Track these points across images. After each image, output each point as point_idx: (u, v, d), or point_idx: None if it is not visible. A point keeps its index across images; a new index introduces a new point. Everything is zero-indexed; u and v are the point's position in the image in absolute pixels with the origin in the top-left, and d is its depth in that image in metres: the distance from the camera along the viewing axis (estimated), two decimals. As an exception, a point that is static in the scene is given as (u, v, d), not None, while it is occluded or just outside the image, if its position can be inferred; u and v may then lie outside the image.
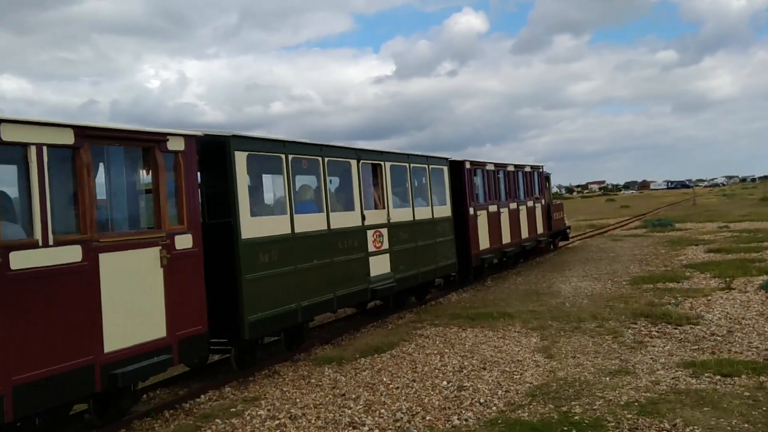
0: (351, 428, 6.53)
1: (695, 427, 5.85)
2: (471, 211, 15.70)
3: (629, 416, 6.23)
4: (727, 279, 13.67)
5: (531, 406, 6.75)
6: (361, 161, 11.36)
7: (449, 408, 6.92)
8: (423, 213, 13.46)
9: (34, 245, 5.84)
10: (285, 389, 8.02)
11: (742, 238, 23.31)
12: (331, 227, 10.26)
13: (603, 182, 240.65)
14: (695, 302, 11.75)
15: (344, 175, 11.16)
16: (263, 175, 10.18)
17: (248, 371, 8.91)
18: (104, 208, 6.97)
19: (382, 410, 6.96)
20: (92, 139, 6.53)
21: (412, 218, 12.98)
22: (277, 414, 7.05)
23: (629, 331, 9.85)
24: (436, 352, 9.33)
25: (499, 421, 6.38)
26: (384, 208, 11.97)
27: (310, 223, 9.77)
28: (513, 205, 18.78)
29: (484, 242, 16.30)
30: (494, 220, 17.11)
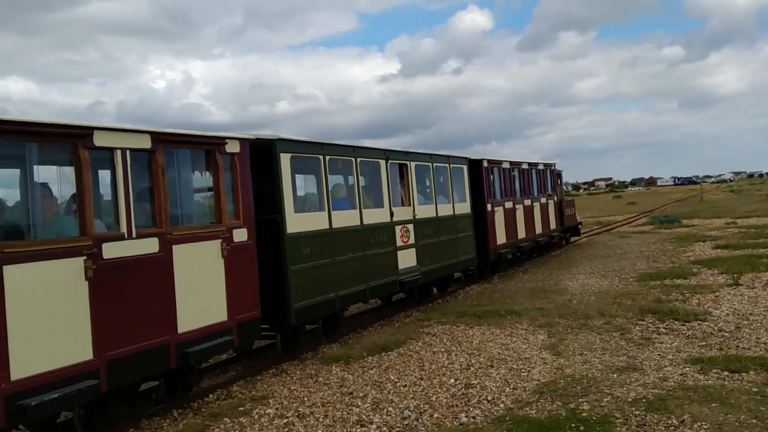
0: (359, 426, 6.55)
1: (703, 423, 5.84)
2: (489, 207, 16.40)
3: (637, 413, 6.22)
4: (735, 275, 13.62)
5: (539, 404, 6.75)
6: (389, 161, 12.11)
7: (457, 406, 6.93)
8: (445, 210, 14.16)
9: (121, 237, 6.64)
10: (293, 388, 8.05)
11: (749, 234, 23.23)
12: (364, 223, 11.04)
13: (610, 179, 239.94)
14: (703, 298, 11.71)
15: (374, 175, 11.82)
16: (304, 175, 10.78)
17: (292, 354, 9.69)
18: (175, 205, 7.66)
19: (390, 408, 6.97)
20: (165, 143, 7.31)
21: (435, 215, 13.68)
22: (285, 412, 7.07)
23: (637, 327, 9.84)
24: (443, 350, 9.34)
25: (507, 419, 6.38)
26: (410, 205, 12.68)
27: (345, 219, 10.53)
28: (527, 202, 19.39)
29: (501, 237, 17.01)
30: (510, 216, 17.78)
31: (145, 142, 7.02)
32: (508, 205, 17.80)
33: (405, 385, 7.76)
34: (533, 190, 20.25)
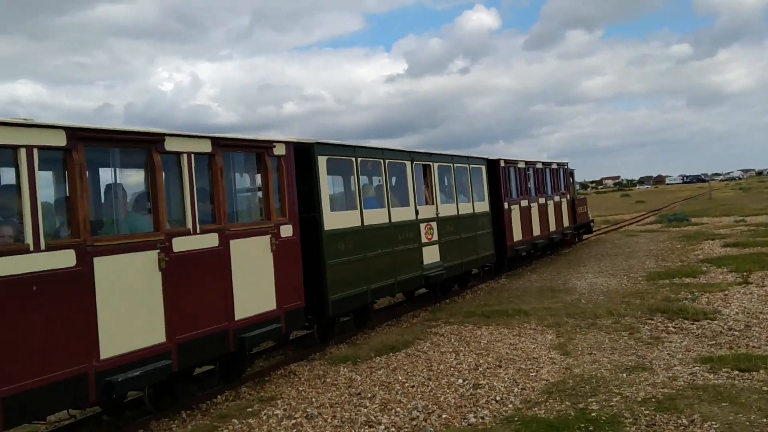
0: (367, 427, 6.54)
1: (713, 423, 5.81)
2: (506, 205, 17.06)
3: (646, 412, 6.19)
4: (744, 273, 13.53)
5: (547, 404, 6.73)
6: (415, 162, 12.78)
7: (465, 406, 6.91)
8: (465, 208, 14.87)
9: (188, 233, 7.38)
10: (301, 389, 8.05)
11: (759, 231, 23.11)
12: (392, 221, 11.69)
13: (617, 177, 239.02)
14: (712, 297, 11.65)
15: (400, 175, 12.44)
16: (338, 176, 11.39)
17: (327, 342, 10.34)
18: (231, 203, 8.40)
19: (398, 409, 6.97)
20: (223, 147, 8.04)
21: (456, 213, 14.37)
22: (293, 413, 7.07)
23: (646, 327, 9.79)
24: (451, 350, 9.32)
25: (516, 419, 6.37)
26: (433, 203, 13.35)
27: (375, 217, 11.22)
28: (542, 200, 20.02)
29: (517, 234, 17.63)
30: (525, 214, 18.38)
31: (207, 147, 7.79)
32: (524, 203, 18.38)
33: (413, 386, 7.75)
34: (547, 189, 20.85)
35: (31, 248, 5.76)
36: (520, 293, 13.97)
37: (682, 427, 5.82)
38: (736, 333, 9.09)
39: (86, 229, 6.29)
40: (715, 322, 9.78)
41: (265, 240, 8.57)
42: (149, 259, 6.87)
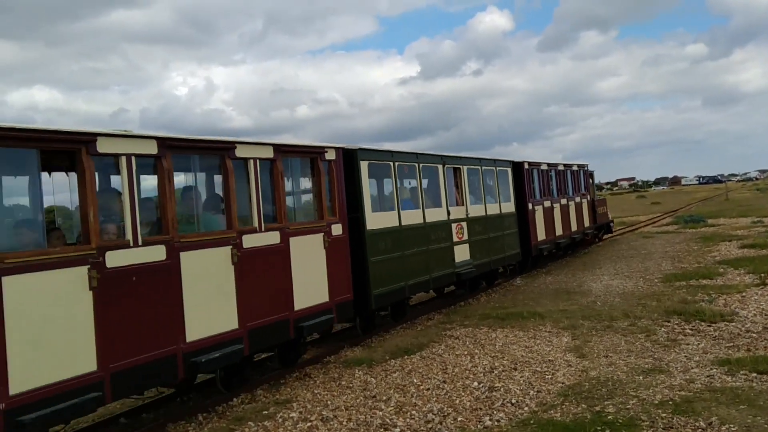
0: (383, 430, 6.55)
1: (731, 426, 5.77)
2: (530, 206, 17.65)
3: (663, 415, 6.16)
4: (762, 275, 13.41)
5: (563, 406, 6.71)
6: (446, 165, 13.45)
7: (481, 409, 6.90)
8: (493, 209, 15.55)
9: (254, 231, 8.15)
10: (316, 391, 8.07)
11: (776, 232, 22.87)
12: (426, 221, 12.35)
13: (633, 179, 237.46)
14: (729, 299, 11.56)
15: (433, 178, 13.12)
16: (378, 179, 12.05)
17: (368, 334, 11.03)
18: (290, 204, 9.08)
19: (414, 411, 6.97)
20: (283, 153, 8.78)
21: (484, 213, 15.04)
22: (308, 416, 7.10)
23: (662, 329, 9.73)
24: (466, 352, 9.31)
25: (532, 422, 6.35)
26: (463, 204, 14.02)
27: (411, 217, 11.90)
28: (563, 201, 20.62)
29: (541, 234, 18.27)
30: (549, 215, 19.01)
31: (269, 153, 8.54)
32: (547, 204, 18.98)
33: (428, 389, 7.75)
34: (568, 190, 21.45)
35: (131, 244, 6.61)
36: (536, 295, 13.93)
37: (700, 430, 5.79)
38: (754, 335, 9.01)
39: (174, 227, 7.09)
40: (733, 324, 9.70)
41: (318, 237, 9.34)
42: (224, 254, 7.68)
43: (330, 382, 8.44)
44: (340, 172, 9.96)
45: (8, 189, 6.95)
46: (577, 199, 22.20)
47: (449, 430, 6.41)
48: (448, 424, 6.56)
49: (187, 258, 7.14)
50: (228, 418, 7.38)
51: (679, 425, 5.90)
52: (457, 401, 7.21)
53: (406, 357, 9.35)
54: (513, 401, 7.03)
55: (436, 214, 12.72)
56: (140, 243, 6.67)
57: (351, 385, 8.23)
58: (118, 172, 6.69)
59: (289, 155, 9.03)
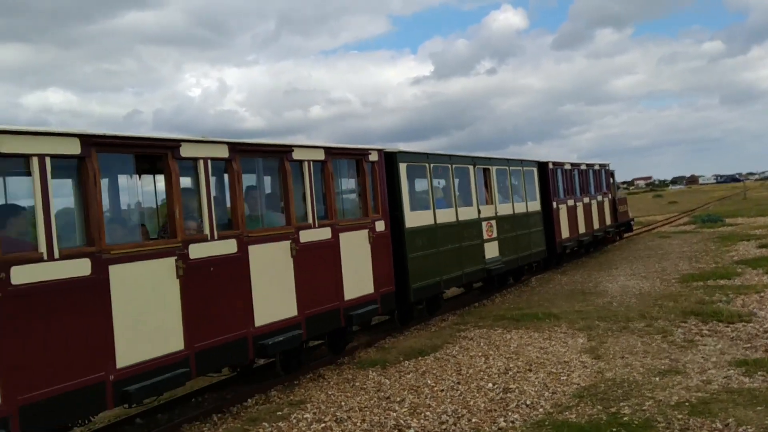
0: (396, 431, 6.55)
1: (748, 427, 5.71)
2: (554, 204, 18.18)
3: (680, 416, 6.10)
4: (781, 275, 13.27)
5: (579, 408, 6.66)
6: (476, 166, 14.09)
7: (495, 410, 6.88)
8: (520, 207, 16.18)
9: (309, 227, 8.89)
10: (330, 392, 8.08)
11: (796, 232, 22.60)
12: (459, 219, 12.99)
13: (649, 178, 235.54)
14: (747, 299, 11.44)
15: (464, 178, 13.77)
16: (415, 179, 12.43)
17: (406, 325, 11.75)
18: (339, 202, 9.79)
19: (428, 413, 6.96)
20: (333, 155, 9.57)
21: (512, 212, 15.66)
22: (323, 417, 7.11)
23: (679, 330, 9.64)
24: (480, 354, 9.28)
25: (546, 423, 6.32)
26: (492, 203, 14.67)
27: (445, 216, 12.53)
28: (586, 200, 21.16)
29: (565, 232, 18.79)
30: (572, 213, 19.62)
31: (321, 155, 9.30)
32: (570, 202, 19.56)
33: (442, 390, 7.73)
34: (591, 189, 21.95)
35: (209, 238, 7.37)
36: (551, 296, 13.86)
37: (717, 431, 5.73)
38: (773, 336, 8.90)
39: (243, 223, 7.85)
40: (751, 324, 9.59)
41: (364, 233, 10.07)
42: (285, 247, 8.43)
43: (344, 383, 8.45)
44: (382, 172, 10.72)
45: (112, 189, 7.95)
46: (599, 198, 22.73)
47: (463, 431, 6.39)
48: (462, 425, 6.54)
49: (254, 251, 7.92)
50: (242, 418, 7.41)
51: (696, 427, 5.85)
52: (472, 402, 7.18)
53: (420, 358, 9.34)
54: (528, 402, 7.00)
55: (467, 213, 13.36)
56: (216, 237, 7.47)
57: (365, 386, 8.23)
58: (196, 174, 7.46)
59: (337, 157, 9.80)
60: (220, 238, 7.52)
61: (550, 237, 17.73)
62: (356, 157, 10.22)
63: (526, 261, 16.42)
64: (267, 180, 9.14)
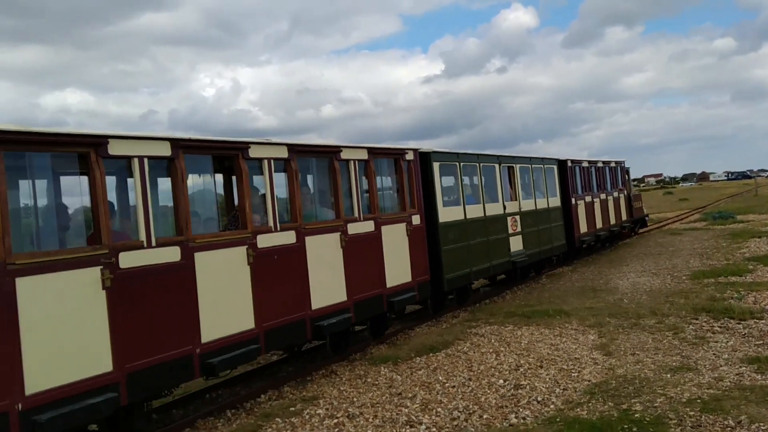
0: (408, 427, 6.58)
1: (761, 424, 5.71)
2: (573, 201, 18.97)
3: (692, 413, 6.11)
4: (793, 272, 13.21)
5: (590, 404, 6.68)
6: (502, 164, 14.96)
7: (506, 406, 6.91)
8: (541, 203, 17.00)
9: (356, 220, 9.75)
10: (342, 388, 8.13)
11: (808, 228, 22.44)
12: (486, 214, 13.81)
13: (660, 175, 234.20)
14: (759, 296, 11.40)
15: (491, 176, 14.58)
16: (447, 177, 13.07)
17: (439, 313, 12.54)
18: (380, 198, 10.61)
19: (439, 409, 6.99)
20: (374, 155, 10.46)
21: (534, 207, 16.47)
22: (335, 413, 7.15)
23: (690, 326, 9.64)
24: (491, 350, 9.30)
25: (558, 420, 6.34)
26: (516, 200, 15.50)
27: (474, 211, 13.38)
28: (603, 196, 21.93)
29: (583, 227, 19.60)
30: (590, 209, 20.40)
31: (364, 155, 10.17)
32: (588, 198, 20.32)
33: (454, 386, 7.77)
34: (607, 185, 22.76)
35: (273, 230, 8.21)
36: (561, 293, 13.86)
37: (729, 429, 5.73)
38: (785, 333, 8.88)
39: (300, 217, 8.68)
40: (763, 321, 9.57)
41: (402, 226, 10.88)
42: (335, 239, 9.25)
43: (356, 379, 8.50)
44: (418, 171, 11.56)
45: (194, 186, 8.45)
46: (615, 194, 23.47)
47: (475, 427, 6.42)
48: (473, 421, 6.58)
49: (310, 242, 8.74)
50: (256, 414, 7.47)
51: (708, 424, 5.86)
52: (483, 399, 7.22)
53: (431, 354, 9.38)
54: (539, 399, 7.02)
55: (494, 209, 14.19)
56: (279, 229, 8.28)
57: (377, 382, 8.28)
58: (261, 172, 8.27)
59: (378, 156, 10.63)
60: (282, 229, 8.37)
61: (569, 232, 18.46)
62: (394, 156, 11.07)
63: (548, 254, 17.19)
64: (319, 177, 9.80)
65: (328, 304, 8.95)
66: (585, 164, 20.59)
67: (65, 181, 7.09)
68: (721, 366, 7.59)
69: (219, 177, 9.57)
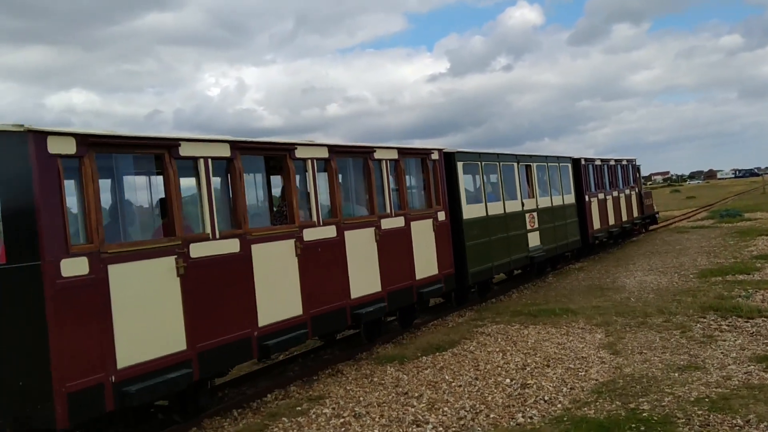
0: (415, 426, 6.57)
1: (770, 423, 5.67)
2: (586, 198, 19.52)
3: (700, 412, 6.08)
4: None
5: (597, 403, 6.66)
6: (520, 163, 15.57)
7: (513, 406, 6.89)
8: (557, 200, 17.49)
9: (388, 216, 10.42)
10: (348, 388, 8.12)
11: (816, 226, 22.31)
12: (506, 211, 14.38)
13: (667, 173, 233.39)
14: (767, 294, 11.34)
15: (510, 174, 15.12)
16: (469, 175, 13.73)
17: (463, 305, 13.09)
18: (409, 195, 11.29)
19: (446, 408, 6.98)
20: (404, 155, 11.16)
21: (551, 204, 16.98)
22: (341, 412, 7.15)
23: (698, 325, 9.59)
24: (498, 349, 9.28)
25: (565, 419, 6.32)
26: (534, 197, 16.06)
27: (494, 208, 13.98)
28: (615, 193, 22.54)
29: (596, 223, 20.14)
30: (602, 206, 20.94)
31: (395, 155, 10.86)
32: (601, 196, 20.88)
33: (460, 385, 7.75)
34: (619, 183, 23.32)
35: (317, 224, 8.90)
36: (567, 292, 13.82)
37: (737, 428, 5.71)
38: (794, 331, 8.83)
39: (340, 213, 9.37)
40: (771, 320, 9.51)
41: (429, 222, 11.51)
42: (370, 233, 9.93)
43: (362, 379, 8.50)
44: (442, 169, 12.18)
45: (249, 185, 8.92)
46: (627, 192, 24.09)
47: (482, 427, 6.41)
48: (480, 420, 6.56)
49: (348, 236, 9.41)
50: (262, 413, 7.47)
51: (716, 423, 5.83)
52: (489, 398, 7.20)
53: (437, 354, 9.36)
54: (546, 398, 7.00)
55: (513, 206, 14.76)
56: (321, 224, 8.97)
57: (383, 381, 8.27)
58: (304, 171, 8.97)
59: (407, 156, 11.28)
60: (325, 224, 9.03)
61: (583, 228, 19.05)
62: (421, 156, 11.74)
63: (564, 250, 17.79)
64: (355, 176, 10.34)
65: (365, 294, 9.64)
66: (598, 162, 21.16)
67: (142, 179, 7.99)
68: (729, 365, 7.56)
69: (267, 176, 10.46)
